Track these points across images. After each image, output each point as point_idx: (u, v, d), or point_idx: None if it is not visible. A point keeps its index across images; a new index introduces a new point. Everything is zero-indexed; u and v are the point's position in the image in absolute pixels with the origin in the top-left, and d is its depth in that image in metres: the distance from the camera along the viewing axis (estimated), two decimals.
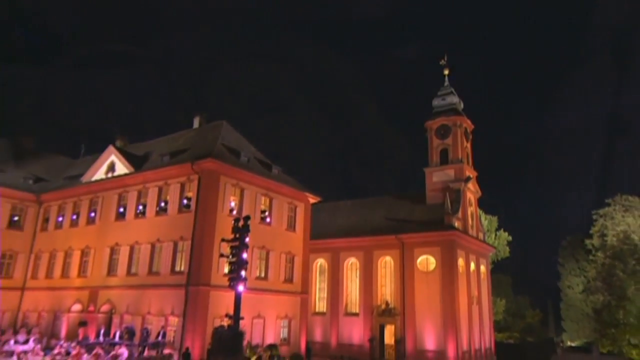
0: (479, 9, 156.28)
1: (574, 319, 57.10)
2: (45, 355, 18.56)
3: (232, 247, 23.94)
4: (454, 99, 45.92)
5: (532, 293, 64.56)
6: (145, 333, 23.54)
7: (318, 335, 40.05)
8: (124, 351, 19.76)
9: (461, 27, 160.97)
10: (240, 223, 24.02)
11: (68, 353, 19.33)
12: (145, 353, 21.06)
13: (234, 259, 23.43)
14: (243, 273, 23.18)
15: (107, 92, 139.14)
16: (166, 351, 22.63)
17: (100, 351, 19.54)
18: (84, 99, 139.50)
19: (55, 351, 19.39)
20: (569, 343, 63.30)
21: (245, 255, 23.43)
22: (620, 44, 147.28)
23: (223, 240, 25.67)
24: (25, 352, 18.74)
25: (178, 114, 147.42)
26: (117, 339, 21.83)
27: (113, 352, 19.61)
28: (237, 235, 23.71)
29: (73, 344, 21.37)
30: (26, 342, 20.76)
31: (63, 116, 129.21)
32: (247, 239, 23.60)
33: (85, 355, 18.69)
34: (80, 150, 45.59)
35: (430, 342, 35.54)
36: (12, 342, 20.21)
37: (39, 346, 21.01)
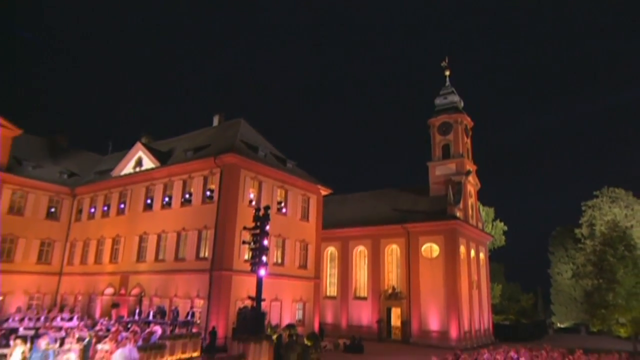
0: (478, 13, 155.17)
1: (562, 303, 57.69)
2: (88, 331, 19.04)
3: (253, 235, 24.40)
4: (455, 98, 46.01)
5: (524, 279, 65.27)
6: (175, 313, 23.99)
7: (329, 317, 40.45)
8: (157, 329, 20.19)
9: (461, 31, 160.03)
10: (261, 212, 24.41)
11: (108, 330, 19.81)
12: (176, 331, 21.49)
13: (255, 246, 23.90)
14: (264, 258, 23.68)
15: (130, 94, 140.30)
16: (194, 330, 23.08)
17: (137, 328, 19.99)
18: (110, 100, 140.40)
19: (97, 328, 19.89)
20: (558, 325, 64.02)
21: (266, 242, 23.80)
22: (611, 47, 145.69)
23: (245, 228, 26.07)
24: (72, 328, 19.23)
25: (197, 114, 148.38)
26: (150, 318, 22.28)
27: (148, 330, 20.06)
28: (258, 224, 24.11)
29: (112, 322, 21.89)
30: (70, 319, 21.25)
31: (91, 116, 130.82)
32: (267, 227, 24.07)
33: (123, 332, 19.16)
34: (108, 147, 46.27)
35: (434, 323, 35.83)
36: (59, 318, 20.72)
37: (82, 323, 21.59)
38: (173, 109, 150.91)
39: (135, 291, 30.88)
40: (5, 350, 15.86)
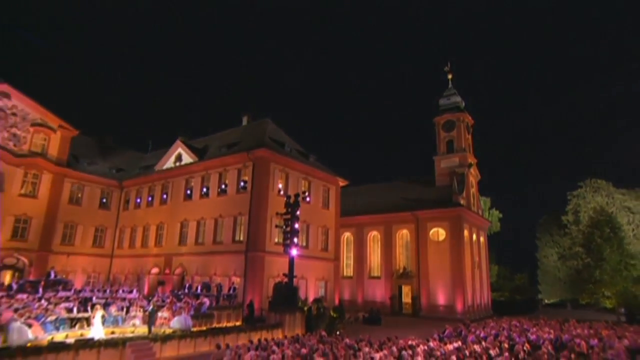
0: (477, 18, 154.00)
1: (548, 283, 58.37)
2: (148, 302, 19.66)
3: (285, 220, 24.90)
4: (457, 99, 46.11)
5: (514, 262, 65.80)
6: (219, 287, 24.55)
7: (347, 295, 40.73)
8: (205, 300, 20.80)
9: (461, 35, 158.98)
10: (292, 200, 24.99)
11: (163, 301, 20.40)
12: (221, 303, 22.05)
13: (287, 229, 24.44)
14: (295, 240, 24.21)
15: (165, 97, 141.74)
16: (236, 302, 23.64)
17: (189, 300, 20.60)
18: (148, 102, 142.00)
19: (154, 299, 20.49)
20: (545, 301, 64.68)
21: (297, 225, 24.39)
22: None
23: (277, 214, 26.66)
24: (134, 299, 19.87)
25: (224, 115, 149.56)
26: (199, 291, 22.85)
27: (198, 301, 20.66)
28: (289, 210, 24.67)
29: (167, 294, 22.51)
30: (131, 292, 21.88)
31: (131, 117, 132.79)
32: (298, 212, 24.58)
33: (177, 303, 19.77)
34: (148, 146, 46.95)
35: (441, 299, 36.18)
36: (121, 291, 21.36)
37: (141, 295, 22.30)
38: (204, 111, 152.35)
39: (178, 270, 31.39)
40: (85, 314, 16.61)
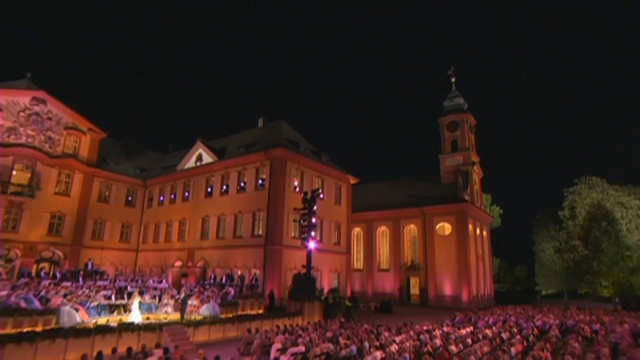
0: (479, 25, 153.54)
1: (545, 275, 58.99)
2: (177, 292, 20.09)
3: (302, 214, 25.22)
4: (460, 101, 46.17)
5: (513, 255, 66.16)
6: (242, 278, 24.90)
7: (357, 286, 41.01)
8: (231, 290, 21.15)
9: (464, 41, 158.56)
10: (309, 195, 25.32)
11: (191, 290, 20.81)
12: (244, 292, 22.39)
13: (304, 223, 24.77)
14: (313, 233, 24.53)
15: (182, 101, 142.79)
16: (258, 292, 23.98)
17: (215, 289, 20.99)
18: (168, 106, 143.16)
19: (183, 289, 20.92)
20: (543, 292, 64.82)
21: (314, 220, 24.70)
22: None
23: (295, 209, 26.98)
24: (165, 289, 20.30)
25: (237, 117, 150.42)
26: (224, 281, 23.22)
27: (224, 290, 21.03)
28: (306, 205, 24.98)
29: (194, 285, 22.92)
30: (160, 282, 22.30)
31: (152, 120, 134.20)
32: (314, 207, 24.89)
33: (205, 292, 20.16)
34: (169, 147, 47.45)
35: (447, 289, 36.35)
36: (151, 281, 21.79)
37: (171, 285, 22.76)
38: (220, 114, 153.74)
39: (200, 263, 31.67)
40: (122, 301, 17.09)
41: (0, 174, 28.02)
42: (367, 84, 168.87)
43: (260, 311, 21.91)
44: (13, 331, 12.41)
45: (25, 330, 12.66)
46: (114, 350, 11.22)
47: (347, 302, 25.91)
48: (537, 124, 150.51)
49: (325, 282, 31.03)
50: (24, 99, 30.11)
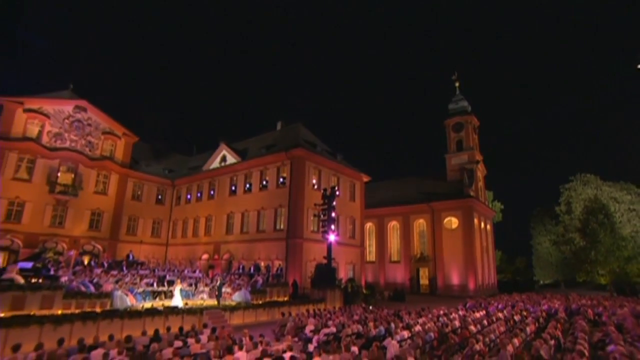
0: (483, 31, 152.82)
1: (541, 267, 59.03)
2: (211, 280, 20.61)
3: (322, 209, 25.61)
4: (464, 103, 46.26)
5: (512, 248, 66.28)
6: (268, 268, 25.39)
7: (370, 277, 41.19)
8: (259, 278, 21.67)
9: (468, 45, 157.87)
10: (329, 192, 25.71)
11: (224, 278, 21.32)
12: (270, 281, 22.84)
13: (325, 218, 25.16)
14: (332, 226, 24.91)
15: (204, 106, 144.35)
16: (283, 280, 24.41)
17: (245, 278, 21.50)
18: (190, 112, 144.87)
19: (218, 277, 21.43)
20: (541, 282, 64.85)
21: (333, 214, 25.07)
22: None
23: (316, 204, 27.35)
24: (200, 278, 20.83)
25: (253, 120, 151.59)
26: (252, 271, 23.72)
27: (253, 279, 21.54)
28: (326, 201, 25.37)
29: (225, 274, 23.45)
30: (194, 272, 22.81)
31: (177, 124, 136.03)
32: (334, 202, 25.27)
33: (236, 281, 20.66)
34: (193, 149, 48.17)
35: (455, 279, 36.50)
36: (186, 271, 22.32)
37: (204, 274, 23.29)
38: (239, 118, 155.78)
39: (225, 256, 32.17)
40: (163, 288, 17.66)
41: (48, 175, 28.97)
42: (376, 89, 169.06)
43: (286, 298, 22.37)
44: (77, 311, 13.02)
45: (87, 310, 13.29)
46: (168, 329, 11.73)
47: (364, 291, 26.24)
48: (534, 125, 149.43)
49: (343, 273, 31.32)
50: (68, 107, 31.05)
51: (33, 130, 29.28)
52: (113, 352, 8.68)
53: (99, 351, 8.74)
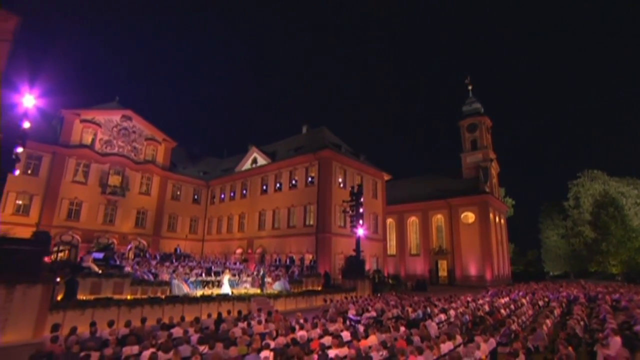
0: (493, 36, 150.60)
1: (550, 259, 58.30)
2: (253, 272, 21.25)
3: (350, 206, 25.97)
4: (477, 105, 45.92)
5: (523, 241, 65.41)
6: (302, 260, 25.94)
7: (391, 269, 40.89)
8: (295, 269, 22.26)
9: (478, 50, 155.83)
10: (356, 189, 26.09)
11: (260, 270, 21.94)
12: (304, 272, 23.34)
13: (353, 213, 25.54)
14: (361, 221, 25.26)
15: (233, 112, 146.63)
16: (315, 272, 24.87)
17: (282, 270, 22.07)
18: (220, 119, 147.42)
19: (261, 267, 22.07)
20: (551, 273, 63.97)
21: (361, 210, 25.42)
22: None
23: (344, 201, 27.77)
24: (242, 269, 21.49)
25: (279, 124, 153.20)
26: (288, 263, 24.29)
27: (290, 270, 22.11)
28: (354, 197, 25.72)
29: (263, 266, 24.06)
30: (235, 264, 23.53)
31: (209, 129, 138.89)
32: (361, 199, 25.61)
33: (275, 272, 21.25)
34: (224, 152, 49.25)
35: (473, 270, 36.35)
36: (228, 263, 23.04)
37: (245, 266, 24.00)
38: (267, 122, 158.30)
39: (258, 250, 32.81)
40: (211, 278, 18.36)
41: (101, 178, 30.33)
42: (394, 93, 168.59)
43: (319, 288, 22.85)
44: (144, 296, 13.81)
45: (151, 296, 14.07)
46: (228, 312, 12.37)
47: (390, 281, 26.52)
48: (543, 124, 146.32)
49: (368, 265, 31.42)
50: (115, 117, 32.43)
51: (87, 138, 30.79)
52: (191, 330, 9.35)
53: (178, 329, 9.42)
